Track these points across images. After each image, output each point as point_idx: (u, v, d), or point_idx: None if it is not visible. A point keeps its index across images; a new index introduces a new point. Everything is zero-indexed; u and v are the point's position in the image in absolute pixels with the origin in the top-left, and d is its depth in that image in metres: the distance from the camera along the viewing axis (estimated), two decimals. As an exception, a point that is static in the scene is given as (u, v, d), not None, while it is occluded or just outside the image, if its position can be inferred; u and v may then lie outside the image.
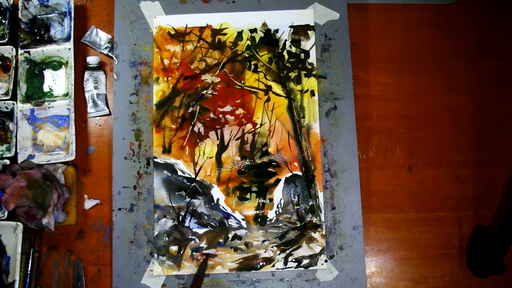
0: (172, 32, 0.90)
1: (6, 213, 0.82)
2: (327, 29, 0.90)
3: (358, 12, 0.93)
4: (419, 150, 0.90)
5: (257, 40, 0.90)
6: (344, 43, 0.89)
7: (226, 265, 0.84)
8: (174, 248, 0.84)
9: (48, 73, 0.90)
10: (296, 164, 0.86)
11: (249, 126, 0.87)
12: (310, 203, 0.85)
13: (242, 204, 0.86)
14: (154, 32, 0.90)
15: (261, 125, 0.87)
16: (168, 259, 0.84)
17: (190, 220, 0.85)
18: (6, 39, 0.88)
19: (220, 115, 0.88)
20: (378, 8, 0.94)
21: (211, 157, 0.87)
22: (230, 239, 0.84)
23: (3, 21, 0.90)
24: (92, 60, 0.90)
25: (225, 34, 0.90)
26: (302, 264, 0.84)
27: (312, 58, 0.89)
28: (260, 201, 0.86)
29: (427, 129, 0.91)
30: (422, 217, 0.88)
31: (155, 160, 0.86)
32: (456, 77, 0.92)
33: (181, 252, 0.84)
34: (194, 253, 0.84)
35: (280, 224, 0.85)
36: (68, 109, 0.87)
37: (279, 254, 0.84)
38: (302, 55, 0.89)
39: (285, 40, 0.90)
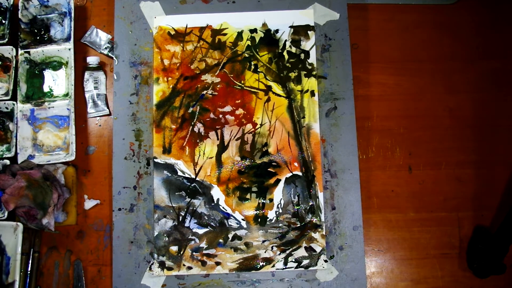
0: (172, 32, 0.90)
1: (6, 213, 0.82)
2: (327, 29, 0.90)
3: (358, 12, 0.93)
4: (419, 150, 0.90)
5: (257, 40, 0.90)
6: (344, 43, 0.89)
7: (226, 265, 0.84)
8: (174, 248, 0.84)
9: (48, 73, 0.90)
10: (296, 164, 0.86)
11: (249, 126, 0.87)
12: (310, 203, 0.85)
13: (242, 204, 0.86)
14: (154, 32, 0.90)
15: (261, 125, 0.87)
16: (168, 259, 0.84)
17: (190, 220, 0.85)
18: (6, 39, 0.88)
19: (220, 115, 0.88)
20: (378, 8, 0.94)
21: (211, 157, 0.87)
22: (230, 239, 0.84)
23: (3, 21, 0.90)
24: (92, 60, 0.90)
25: (225, 34, 0.90)
26: (302, 264, 0.84)
27: (312, 58, 0.89)
28: (260, 201, 0.86)
29: (427, 129, 0.91)
30: (422, 217, 0.88)
31: (155, 160, 0.86)
32: (456, 77, 0.92)
33: (181, 252, 0.84)
34: (194, 253, 0.84)
35: (280, 224, 0.85)
36: (68, 109, 0.87)
37: (279, 254, 0.84)
38: (302, 55, 0.89)
39: (285, 40, 0.90)
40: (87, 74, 0.89)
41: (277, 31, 0.90)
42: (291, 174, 0.86)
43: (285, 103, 0.88)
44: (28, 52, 0.88)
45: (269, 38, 0.90)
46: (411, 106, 0.91)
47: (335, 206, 0.86)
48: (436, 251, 0.88)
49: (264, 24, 0.90)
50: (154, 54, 0.89)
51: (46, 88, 0.90)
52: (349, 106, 0.88)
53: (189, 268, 0.84)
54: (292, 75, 0.89)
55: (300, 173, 0.86)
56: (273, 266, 0.84)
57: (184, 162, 0.86)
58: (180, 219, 0.85)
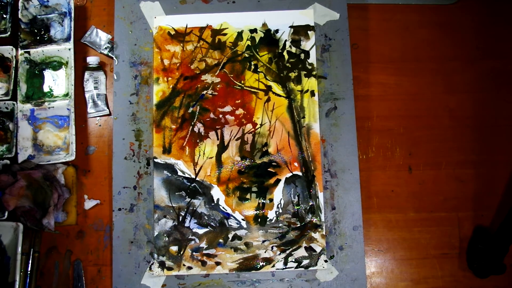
0: (172, 32, 0.90)
1: (6, 213, 0.82)
2: (327, 29, 0.90)
3: (358, 12, 0.93)
4: (419, 150, 0.90)
5: (257, 40, 0.90)
6: (344, 43, 0.89)
7: (226, 265, 0.84)
8: (174, 249, 0.84)
9: (48, 73, 0.90)
10: (296, 164, 0.86)
11: (249, 126, 0.87)
12: (310, 203, 0.85)
13: (242, 204, 0.86)
14: (154, 32, 0.90)
15: (261, 125, 0.87)
16: (168, 260, 0.84)
17: (190, 220, 0.85)
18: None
19: (220, 115, 0.88)
20: (378, 8, 0.94)
21: (211, 157, 0.87)
22: (230, 239, 0.84)
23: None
24: (92, 60, 0.90)
25: (225, 34, 0.90)
26: (302, 264, 0.84)
27: (312, 58, 0.89)
28: (260, 201, 0.86)
29: (427, 129, 0.91)
30: (422, 217, 0.88)
31: (155, 160, 0.86)
32: (456, 77, 0.92)
33: (181, 253, 0.84)
34: (194, 253, 0.84)
35: (280, 224, 0.85)
36: (68, 109, 0.87)
37: (279, 254, 0.84)
38: (302, 55, 0.89)
39: (285, 40, 0.90)
40: (87, 74, 0.89)
41: (277, 31, 0.90)
42: (291, 174, 0.86)
43: (285, 103, 0.88)
44: (28, 52, 0.88)
45: (269, 38, 0.90)
46: (411, 106, 0.91)
47: (335, 206, 0.86)
48: (436, 251, 0.88)
49: (264, 24, 0.90)
50: (154, 54, 0.89)
51: (46, 88, 0.90)
52: (349, 106, 0.88)
53: (189, 268, 0.84)
54: (292, 75, 0.89)
55: (300, 173, 0.86)
56: (273, 266, 0.84)
57: (184, 162, 0.86)
58: (180, 219, 0.85)
